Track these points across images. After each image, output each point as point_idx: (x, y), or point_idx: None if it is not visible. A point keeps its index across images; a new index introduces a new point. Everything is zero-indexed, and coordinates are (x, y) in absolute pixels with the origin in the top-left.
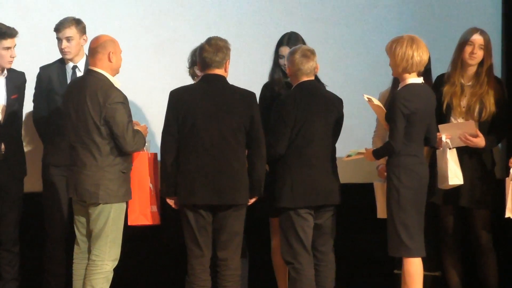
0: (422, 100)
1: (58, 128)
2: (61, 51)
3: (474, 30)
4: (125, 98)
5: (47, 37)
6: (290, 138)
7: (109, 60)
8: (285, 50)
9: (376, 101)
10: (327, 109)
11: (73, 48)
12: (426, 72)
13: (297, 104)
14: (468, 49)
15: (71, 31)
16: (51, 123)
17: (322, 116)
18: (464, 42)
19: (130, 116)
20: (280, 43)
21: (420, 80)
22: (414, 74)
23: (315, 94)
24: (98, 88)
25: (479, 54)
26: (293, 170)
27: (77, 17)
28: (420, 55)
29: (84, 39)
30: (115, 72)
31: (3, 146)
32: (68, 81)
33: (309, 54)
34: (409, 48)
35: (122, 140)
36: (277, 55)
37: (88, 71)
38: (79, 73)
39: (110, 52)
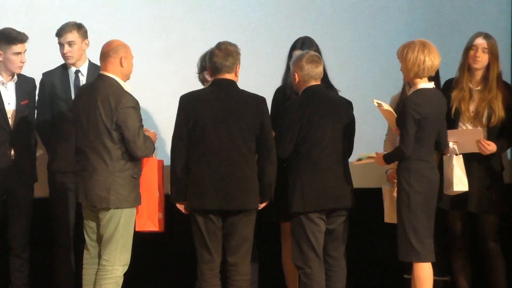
0: (433, 105)
1: (62, 133)
2: (63, 55)
3: (478, 34)
4: (136, 103)
5: (57, 43)
6: (298, 143)
7: (121, 65)
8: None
9: (386, 106)
10: (335, 113)
11: (75, 52)
12: (435, 76)
13: (304, 109)
14: (471, 53)
15: (72, 36)
16: (55, 129)
17: (331, 120)
18: (468, 46)
19: (141, 121)
20: (293, 47)
21: (431, 85)
22: (425, 79)
23: (323, 98)
24: (110, 92)
25: (483, 58)
26: (303, 174)
27: (81, 22)
28: (431, 60)
29: (86, 43)
30: (126, 77)
31: (12, 151)
32: (71, 86)
33: (317, 59)
34: (421, 53)
35: (133, 145)
36: (290, 60)
37: (99, 76)
38: (82, 78)
39: (122, 57)
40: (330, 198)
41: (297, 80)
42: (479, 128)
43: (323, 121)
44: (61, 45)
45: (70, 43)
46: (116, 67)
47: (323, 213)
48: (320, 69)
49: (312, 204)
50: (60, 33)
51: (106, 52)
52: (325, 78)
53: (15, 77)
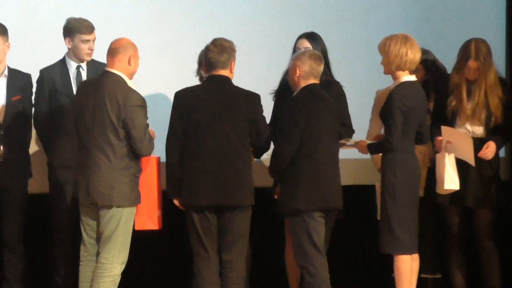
0: (418, 97)
1: (63, 127)
2: (86, 53)
3: (469, 53)
4: (144, 101)
5: (51, 38)
6: (302, 142)
7: (129, 63)
8: (304, 43)
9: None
10: (331, 114)
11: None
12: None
13: (308, 107)
14: (467, 70)
15: (95, 34)
16: (55, 124)
17: (329, 120)
18: (464, 59)
19: (147, 120)
20: (299, 37)
21: (413, 77)
22: (407, 71)
23: (322, 98)
24: (118, 89)
25: (476, 74)
26: (305, 173)
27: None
28: (413, 54)
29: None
30: (131, 77)
31: (2, 148)
32: (72, 80)
33: (320, 58)
34: (403, 46)
35: (139, 144)
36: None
37: (104, 72)
38: (83, 72)
39: (131, 56)
40: (331, 198)
41: (297, 74)
42: (470, 136)
43: (323, 121)
44: (86, 41)
45: (94, 41)
46: (123, 64)
47: (323, 211)
48: (321, 68)
49: (317, 203)
50: (87, 30)
51: (116, 49)
52: (329, 72)
53: (6, 72)
